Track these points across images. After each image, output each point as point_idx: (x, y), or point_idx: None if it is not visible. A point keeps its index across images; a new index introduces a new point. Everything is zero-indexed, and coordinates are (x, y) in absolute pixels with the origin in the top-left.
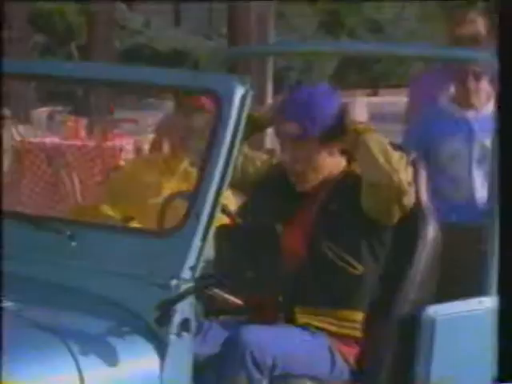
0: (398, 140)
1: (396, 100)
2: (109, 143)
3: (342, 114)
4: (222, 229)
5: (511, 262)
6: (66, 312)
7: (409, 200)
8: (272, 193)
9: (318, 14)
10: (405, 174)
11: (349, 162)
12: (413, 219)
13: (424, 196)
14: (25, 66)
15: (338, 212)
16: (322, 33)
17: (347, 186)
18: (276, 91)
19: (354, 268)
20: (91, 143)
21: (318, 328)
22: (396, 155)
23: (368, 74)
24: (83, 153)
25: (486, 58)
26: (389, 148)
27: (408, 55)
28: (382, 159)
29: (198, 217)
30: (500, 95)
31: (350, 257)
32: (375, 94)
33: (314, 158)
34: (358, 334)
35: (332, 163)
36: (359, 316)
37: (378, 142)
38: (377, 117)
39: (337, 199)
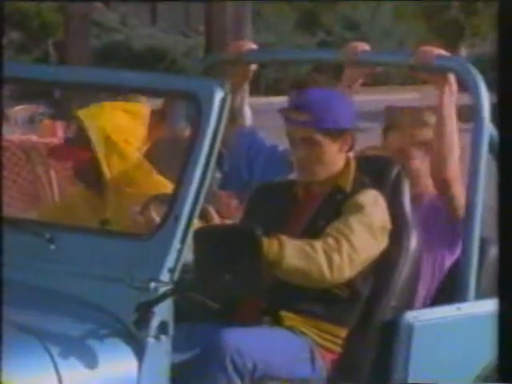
0: (376, 138)
1: (372, 98)
2: None
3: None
4: (200, 231)
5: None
6: (45, 314)
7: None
8: (269, 198)
9: (295, 12)
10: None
11: (347, 161)
12: (396, 229)
13: (407, 206)
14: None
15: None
16: (299, 31)
17: (335, 201)
18: (252, 89)
19: (339, 289)
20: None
21: (303, 333)
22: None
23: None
24: None
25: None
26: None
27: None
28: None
29: (176, 219)
30: (500, 95)
31: None
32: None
33: (322, 150)
34: (339, 349)
35: (339, 159)
36: (343, 332)
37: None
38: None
39: (325, 215)
